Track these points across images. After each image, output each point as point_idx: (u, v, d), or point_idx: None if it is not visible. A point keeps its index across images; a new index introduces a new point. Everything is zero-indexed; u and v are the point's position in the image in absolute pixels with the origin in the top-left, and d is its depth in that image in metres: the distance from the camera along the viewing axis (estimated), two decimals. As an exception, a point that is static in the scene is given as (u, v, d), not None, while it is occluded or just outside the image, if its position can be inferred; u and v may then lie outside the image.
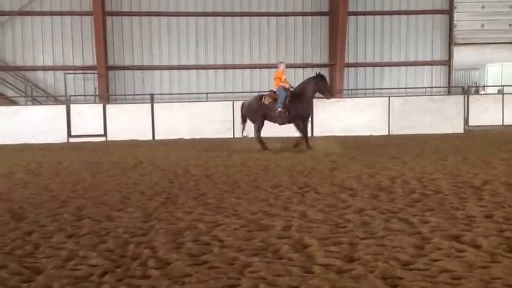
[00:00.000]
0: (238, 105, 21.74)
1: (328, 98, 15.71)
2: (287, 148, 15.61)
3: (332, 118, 19.35)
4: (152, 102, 22.21)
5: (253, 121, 16.11)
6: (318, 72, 16.24)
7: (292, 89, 15.67)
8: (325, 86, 15.59)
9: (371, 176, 10.24)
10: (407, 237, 5.66)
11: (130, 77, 27.98)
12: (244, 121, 16.39)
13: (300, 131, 15.68)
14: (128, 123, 21.67)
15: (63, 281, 4.63)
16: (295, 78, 21.05)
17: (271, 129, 16.61)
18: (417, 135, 20.30)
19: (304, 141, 15.61)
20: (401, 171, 10.76)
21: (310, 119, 16.42)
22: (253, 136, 16.13)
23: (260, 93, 17.16)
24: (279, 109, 15.35)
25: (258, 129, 15.99)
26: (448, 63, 29.08)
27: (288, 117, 15.55)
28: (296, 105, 15.41)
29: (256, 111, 15.93)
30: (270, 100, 15.57)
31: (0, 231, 6.37)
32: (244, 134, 16.41)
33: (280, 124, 15.91)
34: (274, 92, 15.64)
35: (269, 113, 15.71)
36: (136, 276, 4.73)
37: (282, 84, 15.57)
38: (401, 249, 5.29)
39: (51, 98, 27.04)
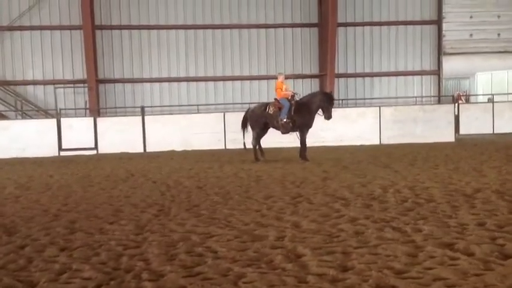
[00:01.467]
0: (229, 117, 21.97)
1: (326, 118, 15.64)
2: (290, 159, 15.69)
3: (323, 128, 19.33)
4: (143, 114, 22.20)
5: (252, 128, 16.11)
6: (330, 91, 16.53)
7: (298, 99, 15.76)
8: (329, 107, 15.54)
9: (363, 185, 10.27)
10: (401, 246, 5.67)
11: (120, 90, 27.88)
12: (244, 126, 16.29)
13: (302, 141, 15.69)
14: (118, 136, 21.65)
15: (57, 294, 4.61)
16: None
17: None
18: (408, 145, 20.37)
19: (301, 151, 15.65)
20: (393, 180, 10.80)
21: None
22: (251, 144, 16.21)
23: (265, 102, 17.18)
24: (284, 120, 15.43)
25: (257, 138, 16.09)
26: (437, 72, 29.12)
27: (291, 127, 15.62)
28: (303, 115, 15.47)
29: (258, 118, 15.98)
30: (274, 109, 15.63)
31: (-8, 246, 6.33)
32: (247, 146, 16.33)
33: (283, 133, 15.98)
34: (278, 101, 15.70)
35: (272, 122, 15.77)
36: (130, 288, 4.71)
37: (284, 93, 15.67)
38: (394, 257, 5.30)
39: (42, 112, 26.92)
